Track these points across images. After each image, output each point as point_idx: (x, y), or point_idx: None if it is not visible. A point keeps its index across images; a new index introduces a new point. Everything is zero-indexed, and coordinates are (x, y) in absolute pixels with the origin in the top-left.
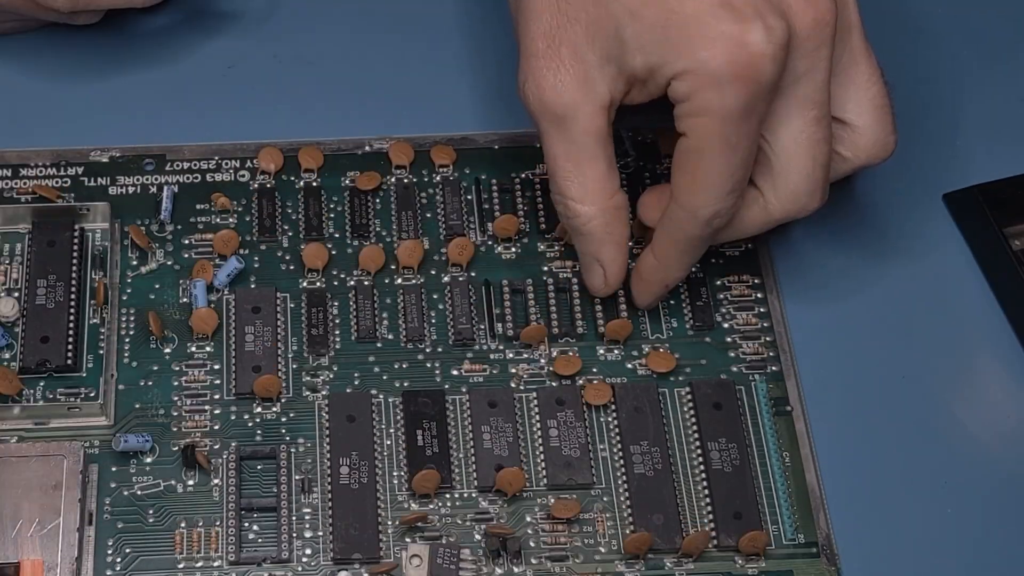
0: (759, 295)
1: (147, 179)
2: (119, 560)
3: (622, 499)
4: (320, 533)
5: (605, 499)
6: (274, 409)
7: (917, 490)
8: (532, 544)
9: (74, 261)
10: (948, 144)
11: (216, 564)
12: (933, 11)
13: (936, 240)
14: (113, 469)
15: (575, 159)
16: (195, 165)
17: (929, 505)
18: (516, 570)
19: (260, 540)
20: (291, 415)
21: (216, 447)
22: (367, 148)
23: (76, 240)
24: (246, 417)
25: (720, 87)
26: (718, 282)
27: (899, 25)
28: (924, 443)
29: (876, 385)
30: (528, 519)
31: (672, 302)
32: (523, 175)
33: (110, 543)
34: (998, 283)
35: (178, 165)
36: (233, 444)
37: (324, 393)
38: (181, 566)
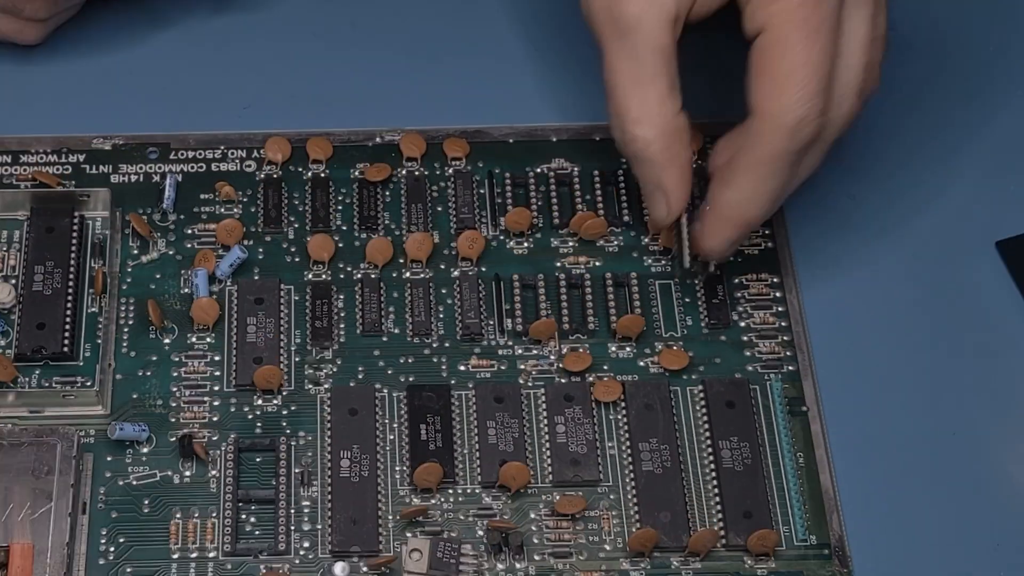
0: (778, 294)
1: (150, 167)
2: (112, 549)
3: (629, 496)
4: (319, 526)
5: (612, 496)
6: (275, 402)
7: (934, 495)
8: (535, 540)
9: (73, 248)
10: (1001, 190)
11: (211, 555)
12: (983, 54)
13: (988, 287)
14: (108, 458)
15: (636, 76)
16: (200, 154)
17: (945, 510)
18: (518, 566)
19: (257, 532)
20: (292, 408)
21: (215, 439)
22: (378, 140)
23: (75, 227)
24: (246, 409)
25: None
26: (736, 280)
27: (951, 70)
28: (926, 450)
29: (897, 395)
30: (532, 515)
31: (688, 299)
32: (538, 169)
33: (103, 532)
34: None
35: (183, 154)
36: (232, 436)
37: (327, 386)
38: (175, 556)
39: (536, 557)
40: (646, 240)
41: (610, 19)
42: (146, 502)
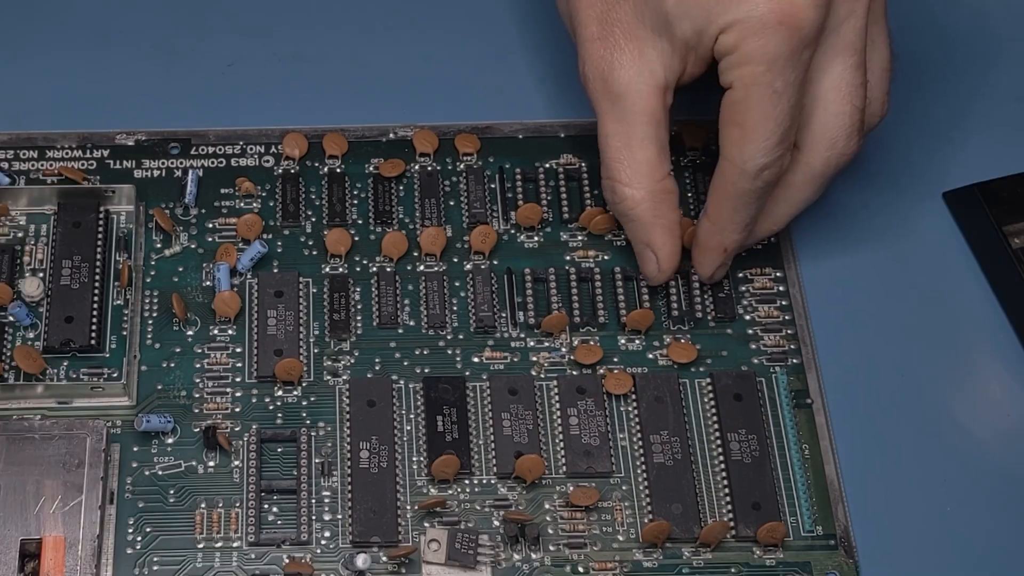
0: (781, 288)
1: (172, 163)
2: (139, 539)
3: (641, 488)
4: (339, 516)
5: (624, 488)
6: (295, 393)
7: (933, 485)
8: (550, 531)
9: (99, 243)
10: (948, 142)
11: (235, 545)
12: (931, 8)
13: (936, 238)
14: (135, 449)
15: (626, 139)
16: (220, 150)
17: (946, 499)
18: (534, 556)
19: (279, 522)
20: (312, 399)
21: (237, 429)
22: (391, 135)
23: (101, 222)
24: (267, 400)
25: (765, 33)
26: (740, 274)
27: (897, 23)
28: (927, 440)
29: (881, 379)
30: (547, 506)
31: (695, 293)
32: (547, 164)
33: (131, 522)
34: (998, 281)
35: (203, 149)
36: (254, 427)
37: (345, 378)
38: (201, 546)
39: (551, 548)
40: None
41: (603, 85)
42: (171, 492)
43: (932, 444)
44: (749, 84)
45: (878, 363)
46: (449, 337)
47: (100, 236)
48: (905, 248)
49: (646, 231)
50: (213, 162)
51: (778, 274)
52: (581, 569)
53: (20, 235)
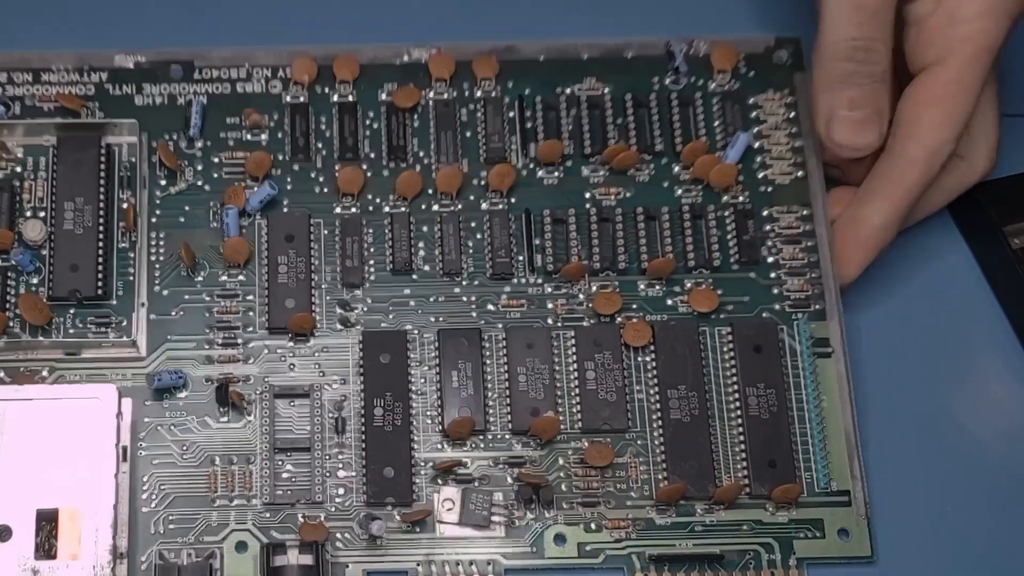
0: (808, 227)
1: (174, 88)
2: (154, 498)
3: (656, 445)
4: (353, 474)
5: (639, 443)
6: (308, 344)
7: (934, 484)
8: (564, 488)
9: (101, 182)
10: None
11: (250, 503)
12: None
13: (936, 238)
14: (146, 403)
15: (865, 3)
16: (224, 73)
17: (947, 499)
18: (547, 515)
19: (294, 479)
20: (325, 351)
21: (250, 382)
22: (405, 57)
23: (103, 157)
24: (279, 352)
25: (997, 19)
26: (765, 213)
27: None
28: (926, 439)
29: (882, 379)
30: (561, 462)
31: (718, 235)
32: (568, 90)
33: (144, 479)
34: (998, 281)
35: (207, 73)
36: (266, 381)
37: (358, 328)
38: (215, 504)
39: (565, 506)
40: (677, 168)
41: None
42: (184, 449)
43: (931, 444)
44: (966, 63)
45: (905, 311)
46: (464, 284)
47: (102, 174)
48: (904, 248)
49: (882, 95)
50: (218, 87)
51: (805, 212)
52: (594, 527)
53: (18, 169)
